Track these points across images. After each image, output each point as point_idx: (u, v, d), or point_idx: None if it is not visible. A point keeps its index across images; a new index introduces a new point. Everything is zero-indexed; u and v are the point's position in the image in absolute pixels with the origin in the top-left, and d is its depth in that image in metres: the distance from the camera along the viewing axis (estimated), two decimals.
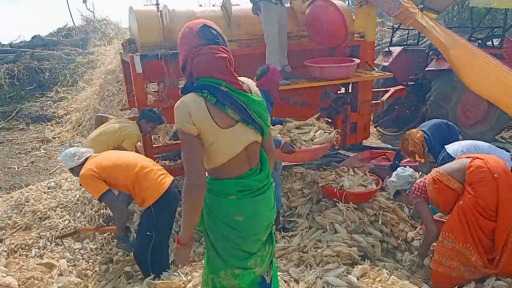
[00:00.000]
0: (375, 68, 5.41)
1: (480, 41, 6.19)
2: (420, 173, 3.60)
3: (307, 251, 3.21)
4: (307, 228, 3.67)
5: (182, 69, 1.79)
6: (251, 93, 1.82)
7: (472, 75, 4.36)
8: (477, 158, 2.78)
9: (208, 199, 1.78)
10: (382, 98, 5.66)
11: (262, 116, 1.79)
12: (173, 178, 3.09)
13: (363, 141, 5.85)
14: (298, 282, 2.76)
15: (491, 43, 6.12)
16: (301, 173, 4.67)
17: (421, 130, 4.24)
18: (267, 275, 1.95)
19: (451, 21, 14.18)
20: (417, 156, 4.43)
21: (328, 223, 3.58)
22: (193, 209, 1.71)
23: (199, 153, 1.70)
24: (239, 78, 1.81)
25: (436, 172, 2.93)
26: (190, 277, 2.74)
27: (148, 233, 2.98)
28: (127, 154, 3.28)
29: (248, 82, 1.89)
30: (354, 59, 4.84)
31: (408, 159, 4.75)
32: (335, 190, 3.83)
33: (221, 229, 1.80)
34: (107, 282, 3.32)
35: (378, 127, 7.09)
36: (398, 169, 3.36)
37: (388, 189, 3.51)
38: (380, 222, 3.70)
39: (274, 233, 2.03)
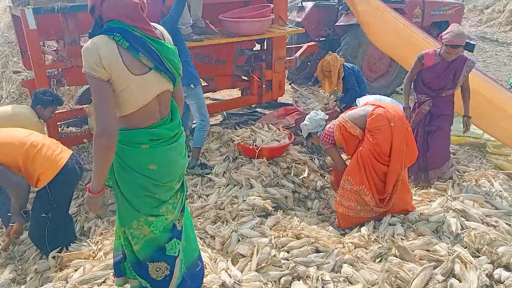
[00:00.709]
0: (288, 24, 5.46)
1: None
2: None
3: (223, 208, 3.30)
4: (224, 186, 3.75)
5: (90, 12, 1.69)
6: (164, 40, 1.77)
7: (375, 30, 4.63)
8: (379, 106, 3.00)
9: (120, 149, 1.74)
10: (295, 55, 5.77)
11: (175, 64, 1.77)
12: (71, 152, 2.82)
13: (279, 98, 5.98)
14: (214, 238, 2.84)
15: None
16: (218, 132, 4.68)
17: None
18: (178, 222, 1.99)
19: None
20: (326, 82, 4.76)
21: (244, 179, 3.69)
22: (104, 157, 1.67)
23: (110, 99, 1.63)
24: (152, 24, 1.75)
25: (343, 118, 3.13)
26: (100, 245, 2.68)
27: (43, 215, 2.69)
28: (20, 131, 2.82)
29: (161, 29, 1.83)
30: (269, 5, 4.77)
31: None
32: (250, 147, 3.93)
33: (134, 178, 1.78)
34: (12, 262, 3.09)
35: (292, 84, 7.27)
36: (311, 112, 3.54)
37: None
38: (292, 174, 3.91)
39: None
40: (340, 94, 5.07)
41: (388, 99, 3.99)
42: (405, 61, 5.06)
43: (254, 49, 5.52)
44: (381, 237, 2.76)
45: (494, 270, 2.36)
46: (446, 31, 3.55)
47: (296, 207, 3.67)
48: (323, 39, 6.55)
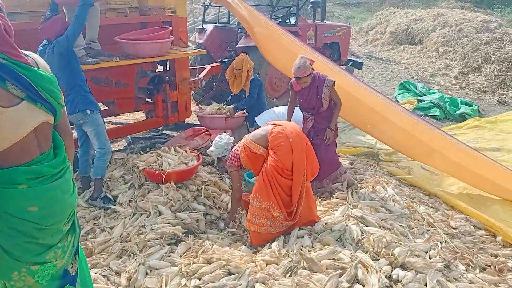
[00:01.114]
0: (190, 45, 5.46)
1: (280, 20, 6.88)
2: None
3: (129, 240, 3.10)
4: (130, 215, 3.54)
5: None
6: (38, 67, 1.59)
7: (272, 52, 4.85)
8: (278, 125, 3.14)
9: None
10: (199, 76, 5.78)
11: (53, 94, 1.58)
12: None
13: (186, 119, 5.91)
14: (120, 274, 2.65)
15: (289, 21, 6.86)
16: (121, 158, 4.44)
17: None
18: (72, 266, 1.78)
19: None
20: (235, 83, 4.89)
21: (151, 206, 3.53)
22: None
23: None
24: (22, 51, 1.56)
25: (246, 140, 3.21)
26: None
27: None
28: None
29: (34, 56, 1.64)
30: (168, 27, 4.72)
31: None
32: (156, 172, 3.79)
33: (11, 224, 1.54)
34: None
35: (199, 105, 7.27)
36: (216, 137, 3.60)
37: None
38: (203, 196, 3.84)
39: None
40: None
41: (282, 108, 4.28)
42: None
43: (157, 70, 5.41)
44: (291, 251, 2.83)
45: (392, 271, 2.56)
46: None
47: (208, 230, 3.60)
48: (226, 60, 6.68)
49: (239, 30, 6.45)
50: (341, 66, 7.97)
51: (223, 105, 5.27)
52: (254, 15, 5.07)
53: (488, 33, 11.04)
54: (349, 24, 9.09)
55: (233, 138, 3.67)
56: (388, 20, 14.43)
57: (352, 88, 5.06)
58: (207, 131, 5.81)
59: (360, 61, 8.84)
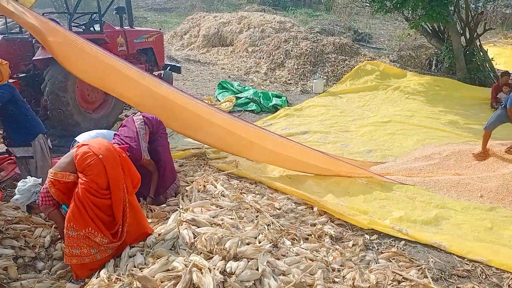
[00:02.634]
0: None
1: (84, 27, 6.35)
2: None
3: None
4: None
5: None
6: None
7: (74, 62, 4.41)
8: (83, 145, 2.84)
9: None
10: None
11: None
12: None
13: None
14: None
15: (93, 29, 6.38)
16: None
17: None
18: None
19: (62, 7, 13.99)
20: None
21: None
22: None
23: None
24: None
25: (51, 173, 2.81)
26: None
27: None
28: None
29: None
30: None
31: None
32: None
33: None
34: None
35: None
36: (19, 183, 3.05)
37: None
38: (10, 238, 3.24)
39: None
40: None
41: (105, 131, 3.92)
42: (114, 91, 5.08)
43: None
44: (123, 273, 2.62)
45: (226, 264, 2.62)
46: None
47: (23, 275, 3.05)
48: (23, 75, 5.81)
49: (34, 41, 5.67)
50: (159, 72, 7.94)
51: None
52: (46, 24, 4.51)
53: (285, 32, 12.57)
54: (160, 28, 9.05)
55: (41, 178, 3.16)
56: (200, 24, 14.99)
57: (170, 95, 5.06)
58: (11, 158, 4.94)
59: (178, 65, 8.91)
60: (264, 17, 14.07)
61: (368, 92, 9.71)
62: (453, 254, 3.64)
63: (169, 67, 8.28)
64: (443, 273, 3.38)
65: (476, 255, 3.59)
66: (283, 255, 3.02)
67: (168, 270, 2.55)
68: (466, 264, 3.52)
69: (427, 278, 3.22)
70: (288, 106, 8.52)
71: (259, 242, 3.00)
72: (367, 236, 3.87)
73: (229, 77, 10.68)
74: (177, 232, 2.95)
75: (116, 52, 6.41)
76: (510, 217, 4.33)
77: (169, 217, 3.35)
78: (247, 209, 3.78)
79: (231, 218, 3.34)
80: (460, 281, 3.28)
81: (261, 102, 8.32)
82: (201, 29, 14.55)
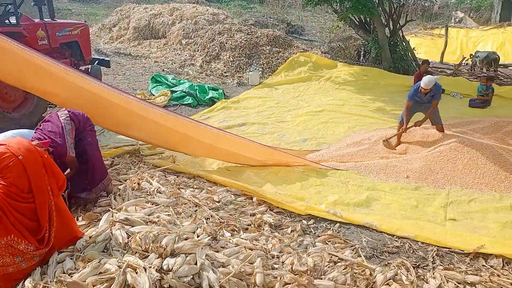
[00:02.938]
0: None
1: None
2: None
3: None
4: None
5: None
6: None
7: None
8: (0, 145, 2.59)
9: None
10: None
11: None
12: None
13: None
14: None
15: (9, 22, 5.85)
16: None
17: None
18: None
19: None
20: None
21: None
22: None
23: None
24: None
25: None
26: None
27: None
28: None
29: None
30: None
31: None
32: None
33: None
34: None
35: None
36: None
37: None
38: None
39: None
40: None
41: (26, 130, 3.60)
42: (34, 88, 4.72)
43: None
44: (51, 281, 2.45)
45: (163, 262, 2.55)
46: None
47: None
48: None
49: None
50: (86, 66, 7.50)
51: None
52: None
53: (219, 25, 12.47)
54: (85, 21, 8.55)
55: None
56: (129, 15, 14.37)
57: (99, 91, 4.80)
58: None
59: (107, 59, 8.49)
60: (196, 9, 13.83)
61: (302, 83, 9.97)
62: (384, 232, 3.87)
63: (97, 62, 7.86)
64: (375, 251, 3.58)
65: (404, 232, 3.84)
66: (222, 247, 3.01)
67: (101, 273, 2.43)
68: (396, 241, 3.76)
69: (361, 257, 3.39)
70: (225, 98, 8.48)
71: (198, 236, 2.96)
72: (304, 222, 3.98)
73: (163, 70, 10.39)
74: (109, 233, 2.82)
75: (37, 47, 5.94)
76: (432, 194, 4.69)
77: (101, 218, 3.19)
78: (185, 204, 3.72)
79: (168, 215, 3.26)
80: (390, 257, 3.49)
81: (198, 96, 8.20)
82: (131, 21, 13.96)
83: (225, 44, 11.25)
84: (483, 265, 3.43)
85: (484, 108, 8.44)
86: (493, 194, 4.70)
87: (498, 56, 12.45)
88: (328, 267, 3.17)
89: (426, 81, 5.54)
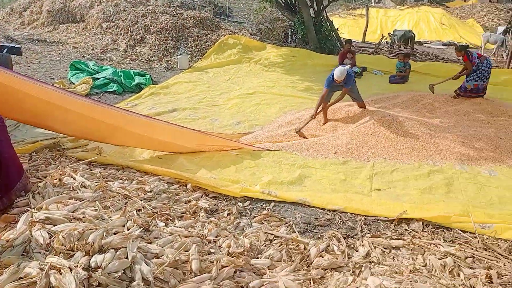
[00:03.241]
0: None
1: None
2: None
3: None
4: None
5: None
6: None
7: None
8: None
9: None
10: None
11: None
12: None
13: None
14: None
15: None
16: None
17: None
18: None
19: None
20: None
21: None
22: None
23: None
24: None
25: None
26: None
27: None
28: None
29: None
30: None
31: None
32: None
33: None
34: None
35: None
36: None
37: None
38: None
39: None
40: None
41: None
42: None
43: None
44: None
45: (90, 259, 2.41)
46: None
47: None
48: None
49: None
50: None
51: None
52: None
53: (142, 6, 11.89)
54: None
55: None
56: None
57: (9, 81, 4.33)
58: None
59: (17, 46, 7.73)
60: None
61: (233, 66, 9.91)
62: (316, 207, 4.02)
63: (6, 49, 7.14)
64: (308, 225, 3.70)
65: (334, 205, 4.02)
66: (156, 238, 2.92)
67: (21, 278, 2.23)
68: (327, 214, 3.92)
69: (295, 232, 3.49)
70: (153, 84, 8.17)
71: (128, 229, 2.84)
72: (240, 204, 4.00)
73: (83, 56, 9.71)
74: (28, 235, 2.60)
75: None
76: (359, 167, 4.94)
77: (19, 220, 2.93)
78: (113, 197, 3.54)
79: (94, 210, 3.08)
80: (323, 230, 3.64)
81: (123, 82, 7.79)
82: (44, 4, 12.82)
83: (150, 27, 10.78)
84: (406, 230, 3.70)
85: (403, 84, 9.02)
86: (412, 163, 5.07)
87: (414, 34, 13.34)
88: (265, 246, 3.23)
89: (338, 74, 5.78)
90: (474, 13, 19.30)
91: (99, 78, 7.73)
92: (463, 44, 9.71)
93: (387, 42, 13.63)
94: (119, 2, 12.14)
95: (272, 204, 4.05)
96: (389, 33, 13.71)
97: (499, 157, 5.27)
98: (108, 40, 10.67)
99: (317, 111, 6.06)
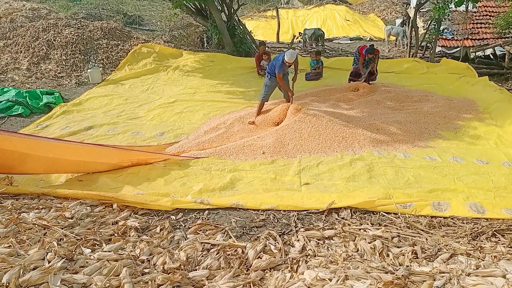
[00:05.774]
0: None
1: None
2: None
3: None
4: None
5: None
6: None
7: None
8: None
9: None
10: None
11: None
12: None
13: None
14: None
15: None
16: None
17: None
18: None
19: None
20: None
21: None
22: None
23: None
24: None
25: None
26: None
27: None
28: None
29: None
30: None
31: None
32: None
33: None
34: None
35: None
36: None
37: None
38: None
39: None
40: None
41: None
42: None
43: None
44: None
45: None
46: None
47: None
48: None
49: None
50: None
51: None
52: None
53: (42, 21, 11.02)
54: None
55: None
56: None
57: None
58: None
59: None
60: (10, 5, 11.95)
61: (150, 75, 9.58)
62: (250, 209, 4.02)
63: None
64: (244, 228, 3.69)
65: (267, 204, 4.06)
66: (82, 267, 2.69)
67: None
68: (261, 214, 3.94)
69: (231, 238, 3.46)
70: (64, 102, 7.59)
71: (49, 262, 2.59)
72: (173, 217, 3.87)
73: None
74: None
75: None
76: (287, 165, 5.06)
77: None
78: (29, 229, 3.21)
79: (8, 246, 2.76)
80: (258, 231, 3.65)
81: (29, 103, 7.14)
82: None
83: (54, 42, 10.02)
84: (336, 219, 3.86)
85: (318, 80, 9.45)
86: (335, 154, 5.32)
87: (323, 32, 14.04)
88: (202, 256, 3.15)
89: (289, 55, 6.13)
90: (374, 8, 20.86)
91: (1, 102, 7.00)
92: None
93: (300, 41, 14.18)
94: (14, 17, 11.12)
95: (206, 212, 3.98)
96: (299, 33, 14.27)
97: (411, 140, 5.74)
98: (7, 59, 9.70)
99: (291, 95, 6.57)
